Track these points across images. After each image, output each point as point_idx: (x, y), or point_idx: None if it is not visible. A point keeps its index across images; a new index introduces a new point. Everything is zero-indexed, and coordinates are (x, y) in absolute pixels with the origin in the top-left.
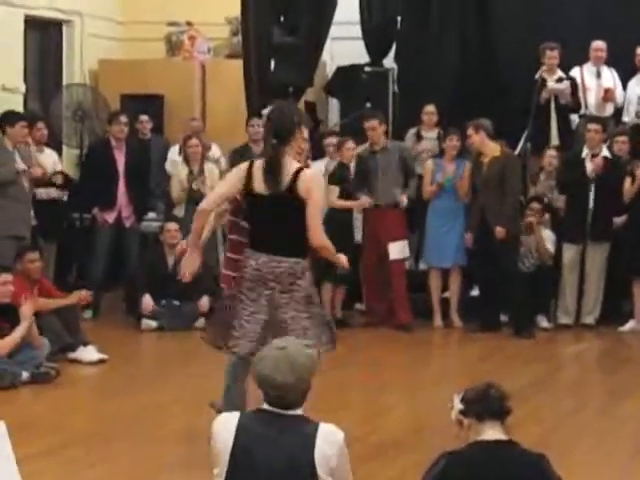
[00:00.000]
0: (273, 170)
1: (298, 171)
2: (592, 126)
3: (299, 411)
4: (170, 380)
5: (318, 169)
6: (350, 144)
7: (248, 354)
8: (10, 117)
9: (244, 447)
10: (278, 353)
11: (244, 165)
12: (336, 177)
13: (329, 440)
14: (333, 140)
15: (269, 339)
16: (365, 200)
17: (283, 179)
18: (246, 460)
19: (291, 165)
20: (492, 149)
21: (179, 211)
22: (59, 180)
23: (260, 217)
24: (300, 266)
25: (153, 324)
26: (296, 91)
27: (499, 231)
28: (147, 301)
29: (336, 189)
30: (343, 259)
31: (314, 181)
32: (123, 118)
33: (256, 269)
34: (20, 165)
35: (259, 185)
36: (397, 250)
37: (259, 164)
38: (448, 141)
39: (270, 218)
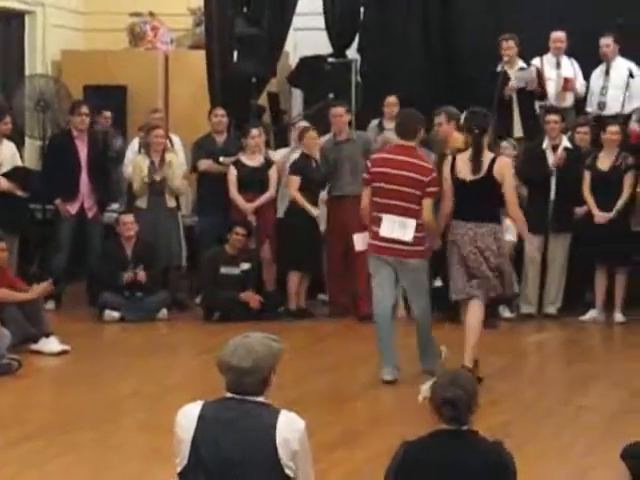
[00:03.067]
0: (477, 156)
1: (494, 159)
2: (551, 117)
3: (260, 398)
4: (132, 371)
5: (283, 157)
6: (312, 134)
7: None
8: None
9: (206, 434)
10: (240, 340)
11: (449, 159)
12: (298, 168)
13: (290, 427)
14: (296, 130)
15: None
16: (316, 211)
17: (483, 164)
18: (208, 447)
19: (487, 153)
20: (456, 140)
21: (142, 202)
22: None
23: (464, 196)
24: (498, 229)
25: (115, 315)
26: (259, 82)
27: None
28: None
29: (297, 179)
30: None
31: (507, 166)
32: (84, 109)
33: (462, 234)
34: None
35: (462, 172)
36: (362, 241)
37: (461, 156)
38: None
39: (472, 196)
